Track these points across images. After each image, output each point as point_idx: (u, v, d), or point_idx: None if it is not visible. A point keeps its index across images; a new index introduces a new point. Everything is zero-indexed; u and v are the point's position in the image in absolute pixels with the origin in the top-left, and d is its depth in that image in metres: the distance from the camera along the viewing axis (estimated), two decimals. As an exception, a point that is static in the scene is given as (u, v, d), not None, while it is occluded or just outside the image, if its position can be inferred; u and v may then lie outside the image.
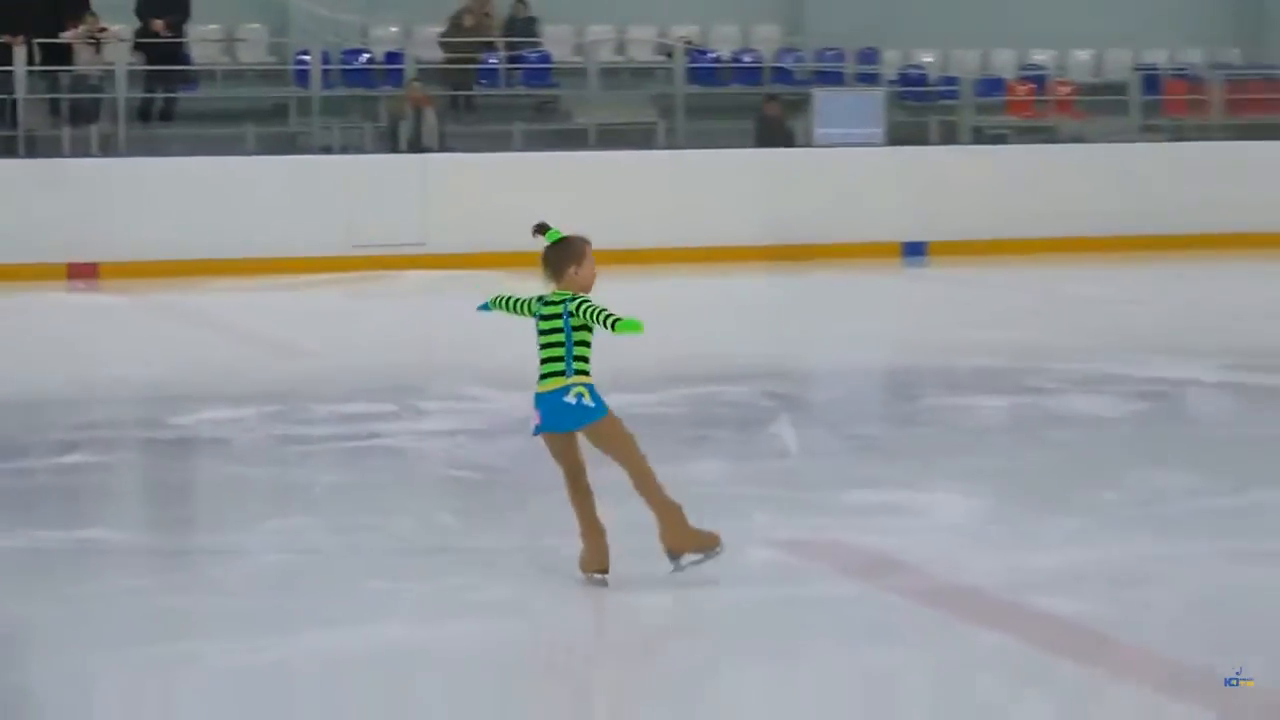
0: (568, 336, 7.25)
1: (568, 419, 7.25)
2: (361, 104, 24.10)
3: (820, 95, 24.41)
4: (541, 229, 7.49)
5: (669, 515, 7.27)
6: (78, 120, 22.96)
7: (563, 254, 7.38)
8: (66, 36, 23.11)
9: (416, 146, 22.80)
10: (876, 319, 18.83)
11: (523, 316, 7.51)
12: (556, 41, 25.50)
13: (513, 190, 21.80)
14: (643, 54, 25.97)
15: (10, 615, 7.72)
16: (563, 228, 22.66)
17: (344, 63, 24.50)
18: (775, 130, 24.05)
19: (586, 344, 7.32)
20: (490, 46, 24.76)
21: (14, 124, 22.77)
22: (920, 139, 24.82)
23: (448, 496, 10.85)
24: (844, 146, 23.71)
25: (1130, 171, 23.88)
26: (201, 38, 24.50)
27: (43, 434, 12.59)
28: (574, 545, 7.88)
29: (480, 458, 11.85)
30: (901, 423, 13.30)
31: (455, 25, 24.66)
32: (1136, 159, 24.55)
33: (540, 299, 7.37)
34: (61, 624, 7.79)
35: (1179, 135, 25.86)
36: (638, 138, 24.19)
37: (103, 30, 23.37)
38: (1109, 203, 23.17)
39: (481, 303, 7.91)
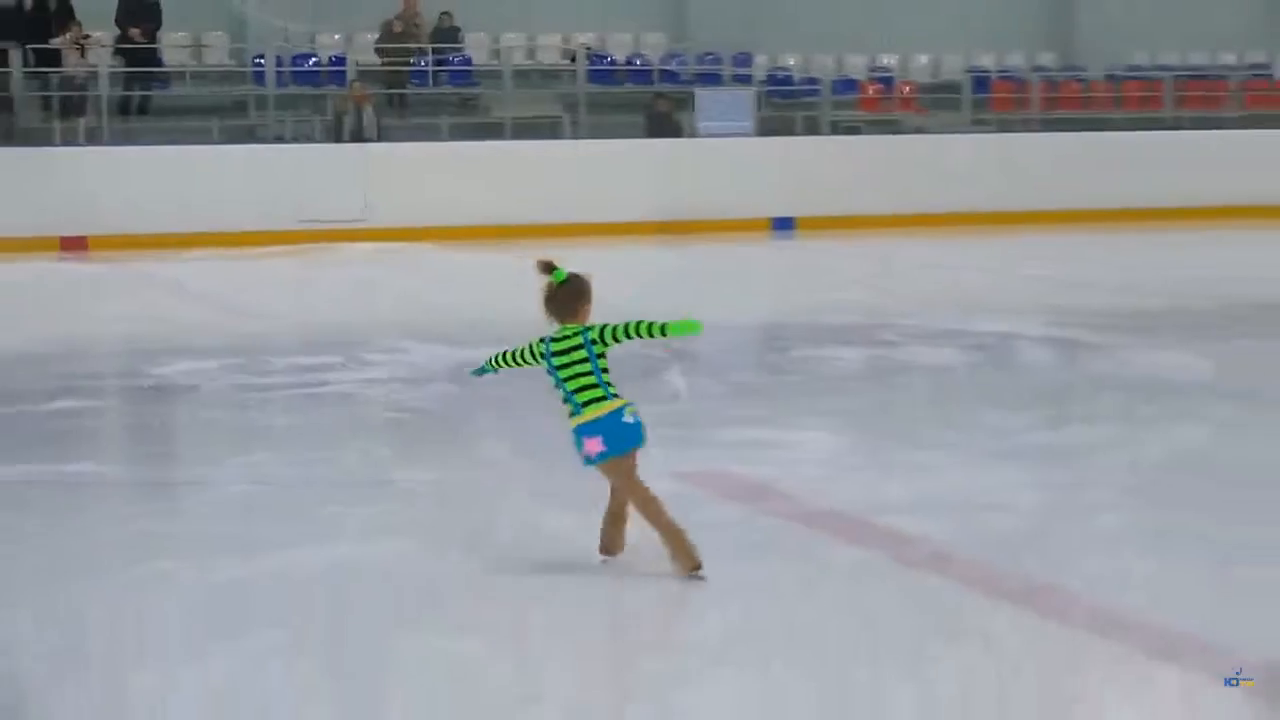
0: (594, 363, 6.35)
1: (632, 437, 6.34)
2: (310, 101, 23.98)
3: (701, 94, 24.36)
4: (548, 267, 6.44)
5: (672, 533, 6.45)
6: (66, 114, 22.85)
7: (576, 294, 6.44)
8: (56, 42, 22.99)
9: (358, 137, 22.69)
10: (751, 284, 18.87)
11: (532, 365, 6.54)
12: (476, 47, 25.46)
13: (440, 174, 21.97)
14: (550, 58, 25.92)
15: (2, 538, 7.69)
16: (482, 208, 21.85)
17: (295, 65, 24.35)
18: (664, 124, 23.99)
19: (608, 368, 6.44)
20: (420, 51, 24.62)
21: (11, 118, 22.58)
22: (787, 130, 24.83)
23: (386, 435, 10.74)
24: (722, 137, 23.64)
25: (964, 159, 23.96)
26: (172, 43, 24.34)
27: (35, 382, 12.46)
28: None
29: (413, 402, 11.84)
30: (773, 371, 13.28)
31: (387, 32, 24.57)
32: (968, 148, 24.63)
33: (544, 340, 6.46)
34: (48, 547, 7.73)
35: (1004, 128, 25.97)
36: (546, 130, 24.12)
37: (86, 37, 23.22)
38: (947, 186, 23.25)
39: (477, 368, 6.93)
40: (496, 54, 25.55)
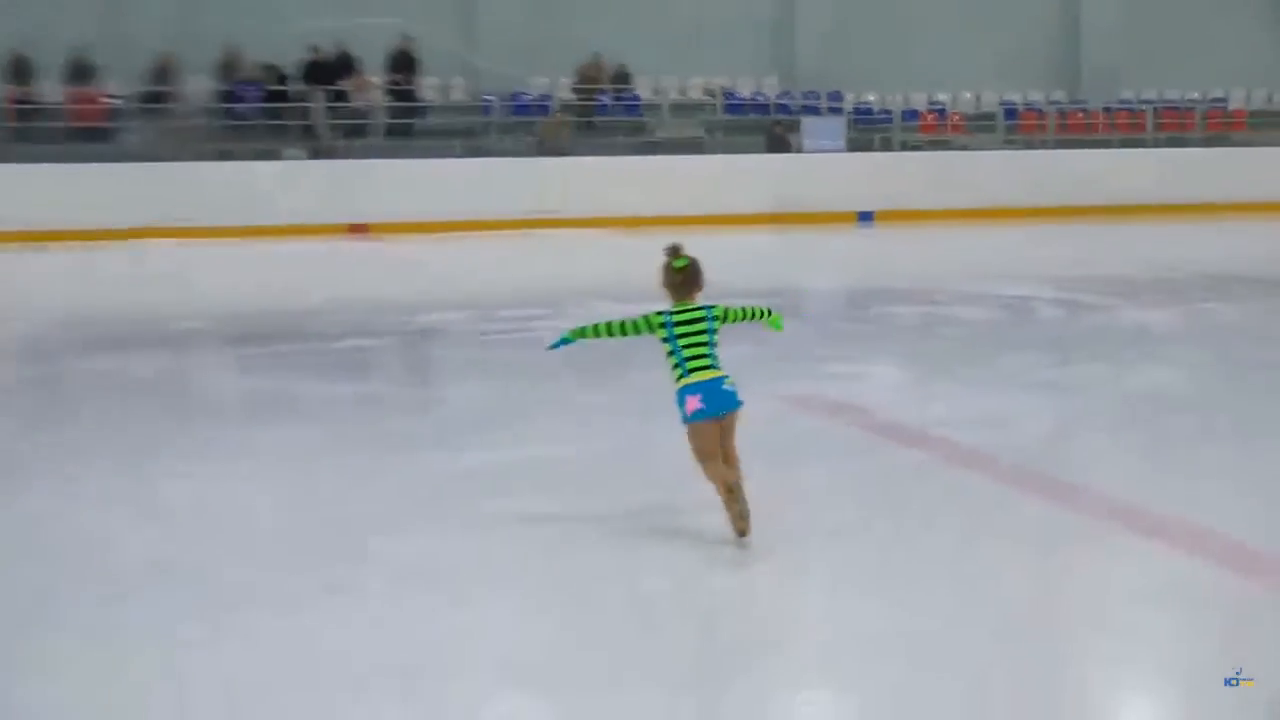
0: (710, 337, 5.62)
1: (727, 402, 5.56)
2: (525, 126, 24.06)
3: (806, 121, 24.36)
4: (674, 252, 5.74)
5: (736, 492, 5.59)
6: (352, 136, 23.08)
7: (696, 276, 5.72)
8: (345, 85, 23.26)
9: (558, 152, 22.86)
10: (840, 261, 18.80)
11: (633, 336, 5.76)
12: (643, 87, 25.41)
13: (616, 179, 22.05)
14: (696, 95, 25.88)
15: (311, 446, 7.62)
16: (645, 204, 21.66)
17: (514, 101, 24.41)
18: (779, 143, 23.97)
19: (718, 344, 5.69)
20: (602, 90, 24.71)
21: (315, 139, 22.88)
22: (868, 148, 24.71)
23: (571, 365, 10.77)
24: (821, 153, 23.63)
25: (996, 169, 23.86)
26: (427, 86, 24.47)
27: (330, 327, 12.63)
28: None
29: (598, 343, 11.87)
30: (854, 322, 13.26)
31: (581, 76, 24.73)
32: (1000, 161, 24.49)
33: (663, 313, 5.69)
34: (362, 435, 7.95)
35: (1027, 146, 25.71)
36: (693, 147, 24.07)
37: (367, 84, 23.49)
38: (983, 189, 23.11)
39: (554, 342, 6.01)
40: (657, 92, 25.53)
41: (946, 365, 10.26)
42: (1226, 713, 4.10)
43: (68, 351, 11.77)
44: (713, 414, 5.53)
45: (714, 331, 5.63)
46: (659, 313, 5.62)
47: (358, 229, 21.30)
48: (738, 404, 5.59)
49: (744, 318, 5.81)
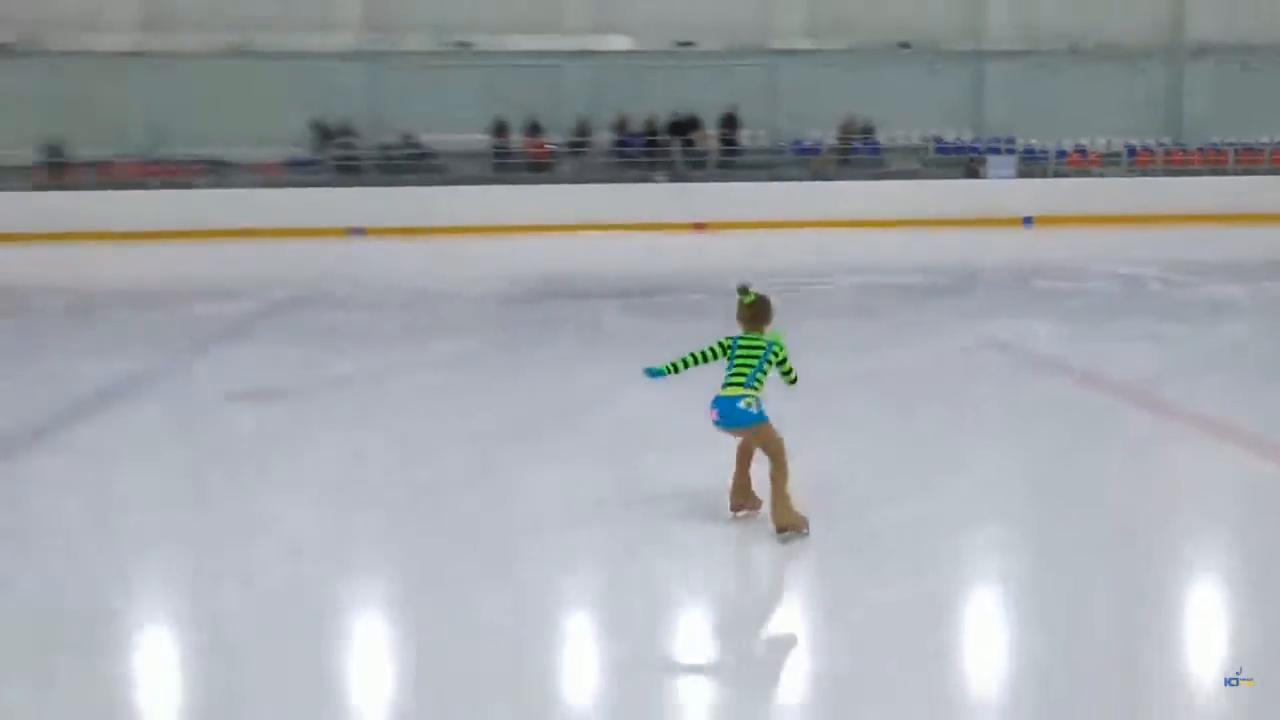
0: (760, 364, 4.29)
1: (738, 419, 4.24)
2: (805, 162, 23.91)
3: (989, 158, 23.81)
4: (744, 290, 4.43)
5: (783, 501, 4.22)
6: (696, 168, 23.15)
7: (765, 312, 4.42)
8: (693, 136, 23.40)
9: (825, 179, 22.85)
10: (1009, 251, 18.09)
11: (706, 364, 4.40)
12: (882, 135, 24.87)
13: (865, 196, 21.95)
14: (914, 142, 25.18)
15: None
16: (885, 210, 20.32)
17: (795, 145, 24.30)
18: (972, 172, 23.54)
19: (765, 376, 4.32)
20: (854, 138, 24.47)
21: (673, 170, 22.93)
22: (1031, 175, 23.87)
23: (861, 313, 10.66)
24: (999, 179, 23.13)
25: (1120, 192, 22.91)
26: (745, 135, 24.17)
27: (684, 288, 12.13)
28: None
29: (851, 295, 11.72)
30: (1018, 289, 12.44)
31: (841, 129, 24.48)
32: (1125, 186, 23.38)
33: (733, 338, 4.37)
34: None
35: (1144, 174, 24.38)
36: (913, 175, 23.59)
37: (706, 135, 23.54)
38: (1110, 201, 22.25)
39: (653, 369, 4.41)
40: (891, 139, 25.03)
41: (1082, 319, 9.77)
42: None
43: (543, 299, 11.85)
44: (723, 426, 4.33)
45: (766, 361, 4.33)
46: (730, 338, 4.41)
47: (698, 226, 21.48)
48: (736, 424, 4.27)
49: (784, 373, 4.43)
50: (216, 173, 21.26)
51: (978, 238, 20.82)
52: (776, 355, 4.35)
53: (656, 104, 23.54)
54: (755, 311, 4.44)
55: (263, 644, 3.40)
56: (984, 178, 23.45)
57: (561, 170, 23.00)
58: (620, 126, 23.65)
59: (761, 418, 4.29)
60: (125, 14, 23.02)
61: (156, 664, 3.37)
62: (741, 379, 4.29)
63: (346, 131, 22.85)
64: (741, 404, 4.24)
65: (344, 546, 4.23)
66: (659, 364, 4.44)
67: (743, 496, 4.44)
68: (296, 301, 11.68)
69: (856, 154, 24.41)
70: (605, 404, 6.47)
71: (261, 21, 22.95)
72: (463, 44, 23.83)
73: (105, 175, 20.68)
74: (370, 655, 3.43)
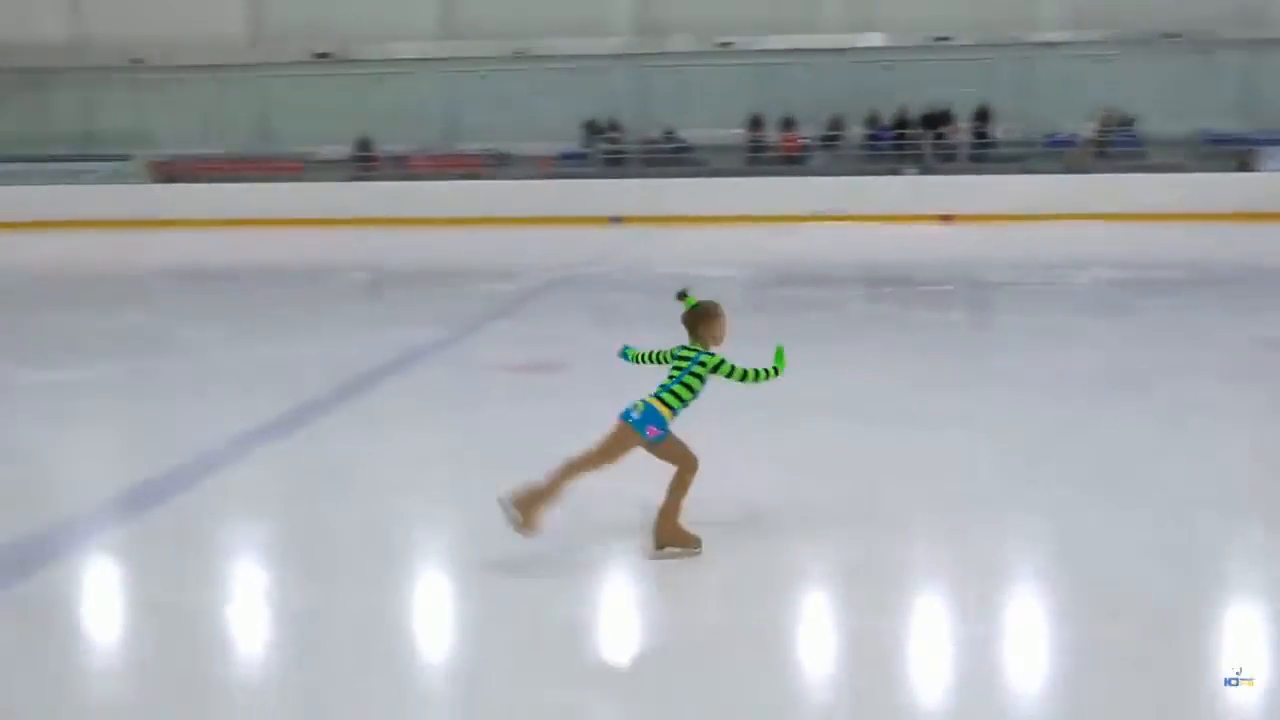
0: (680, 376, 4.01)
1: (637, 427, 3.97)
2: (1059, 155, 22.87)
3: (1265, 149, 22.39)
4: (681, 295, 4.17)
5: (671, 517, 3.98)
6: (946, 160, 22.78)
7: (703, 320, 4.09)
8: (944, 129, 23.24)
9: (1082, 171, 21.75)
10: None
11: (658, 366, 4.19)
12: (1144, 128, 23.69)
13: (1122, 189, 20.95)
14: (1181, 133, 23.39)
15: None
16: (1148, 203, 19.43)
17: (1047, 139, 23.30)
18: (1244, 165, 22.18)
19: (690, 389, 4.01)
20: (1112, 130, 23.35)
21: (923, 162, 22.77)
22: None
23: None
24: (1276, 172, 21.69)
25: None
26: (997, 129, 23.44)
27: (930, 279, 11.79)
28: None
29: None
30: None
31: (1100, 121, 23.34)
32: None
33: (676, 349, 4.11)
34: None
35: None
36: (1176, 169, 21.94)
37: (958, 128, 23.29)
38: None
39: (621, 351, 4.35)
40: (1157, 132, 23.53)
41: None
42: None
43: (771, 285, 11.74)
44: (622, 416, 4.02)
45: (690, 374, 4.03)
46: (675, 349, 4.16)
47: (945, 218, 21.31)
48: (626, 420, 3.98)
49: (741, 378, 4.05)
50: (500, 165, 22.92)
51: (1249, 233, 19.44)
52: (704, 367, 4.01)
53: (910, 99, 23.51)
54: (692, 318, 4.11)
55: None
56: (1258, 170, 22.10)
57: (813, 163, 23.41)
58: (872, 121, 23.81)
59: (656, 436, 3.96)
60: (424, 24, 25.49)
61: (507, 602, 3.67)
62: (661, 389, 4.03)
63: (614, 127, 24.23)
64: (635, 413, 3.97)
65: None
66: (640, 348, 4.32)
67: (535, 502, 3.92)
68: (566, 282, 11.99)
69: (1115, 147, 23.52)
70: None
71: (541, 28, 24.74)
72: (724, 44, 24.65)
73: (405, 167, 22.70)
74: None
